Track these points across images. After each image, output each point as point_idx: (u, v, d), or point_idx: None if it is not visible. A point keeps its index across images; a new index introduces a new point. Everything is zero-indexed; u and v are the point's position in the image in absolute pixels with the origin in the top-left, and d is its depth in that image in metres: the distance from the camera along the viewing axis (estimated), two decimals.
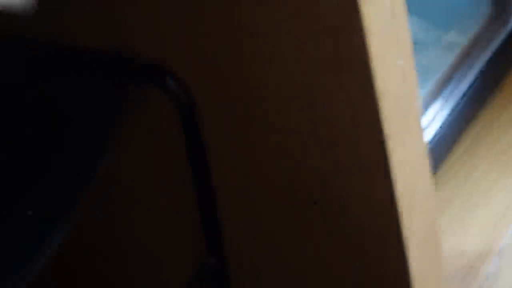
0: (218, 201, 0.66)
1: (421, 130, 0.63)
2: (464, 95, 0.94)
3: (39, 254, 0.54)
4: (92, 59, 0.61)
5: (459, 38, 0.98)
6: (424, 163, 0.64)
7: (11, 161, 0.59)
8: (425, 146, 0.64)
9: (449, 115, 0.92)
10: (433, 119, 0.91)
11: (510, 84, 1.00)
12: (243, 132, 0.61)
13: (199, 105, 0.60)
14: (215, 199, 0.66)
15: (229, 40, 0.57)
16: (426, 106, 0.91)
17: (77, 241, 0.59)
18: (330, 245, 0.65)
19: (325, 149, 0.58)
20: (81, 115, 0.59)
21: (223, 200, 0.66)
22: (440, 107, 0.92)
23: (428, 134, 0.90)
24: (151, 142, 0.65)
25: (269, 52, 0.57)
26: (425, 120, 0.90)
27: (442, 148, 0.93)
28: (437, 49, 0.97)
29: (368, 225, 0.62)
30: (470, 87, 0.95)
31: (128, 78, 0.58)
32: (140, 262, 0.74)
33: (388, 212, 0.59)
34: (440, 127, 0.91)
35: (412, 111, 0.61)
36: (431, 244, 0.65)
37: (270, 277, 0.72)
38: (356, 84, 0.56)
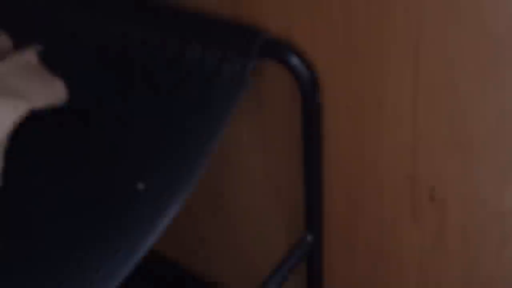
0: (325, 182, 0.64)
1: None
2: None
3: (149, 230, 0.53)
4: (218, 29, 0.58)
5: None
6: None
7: (134, 138, 0.57)
8: None
9: None
10: None
11: None
12: (363, 118, 0.59)
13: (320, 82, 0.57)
14: (322, 181, 0.64)
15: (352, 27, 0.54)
16: None
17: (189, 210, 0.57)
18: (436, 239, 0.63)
19: (455, 152, 0.55)
20: (205, 88, 0.57)
21: (329, 181, 0.64)
22: None
23: None
24: (267, 118, 0.63)
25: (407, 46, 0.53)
26: None
27: None
28: None
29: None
30: None
31: (253, 52, 0.55)
32: (247, 230, 0.73)
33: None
34: None
35: None
36: None
37: (362, 259, 0.70)
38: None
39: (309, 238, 0.68)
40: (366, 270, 0.71)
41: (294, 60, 0.56)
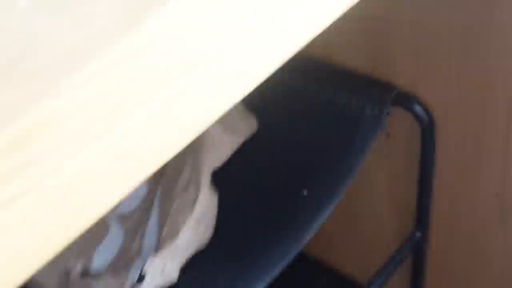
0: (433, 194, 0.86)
1: None
2: None
3: (310, 227, 0.75)
4: (361, 82, 0.80)
5: None
6: None
7: (295, 150, 0.80)
8: None
9: None
10: None
11: None
12: (465, 153, 0.80)
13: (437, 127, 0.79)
14: (432, 193, 0.86)
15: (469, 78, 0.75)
16: None
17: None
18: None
19: None
20: (348, 124, 0.79)
21: (437, 192, 0.86)
22: None
23: None
24: (392, 148, 0.85)
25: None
26: None
27: None
28: None
29: None
30: None
31: (388, 101, 0.77)
32: (365, 227, 0.95)
33: None
34: None
35: None
36: None
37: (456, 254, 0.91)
38: None
39: (418, 234, 0.90)
40: (459, 265, 0.92)
41: (418, 108, 0.78)
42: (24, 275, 0.28)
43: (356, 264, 1.05)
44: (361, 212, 0.96)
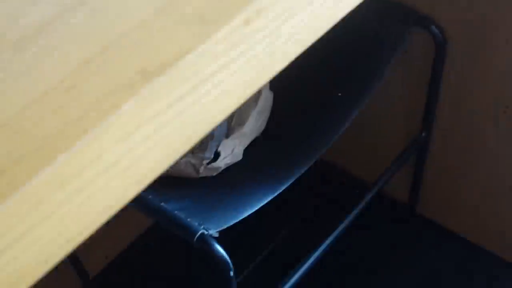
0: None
1: None
2: None
3: (341, 125, 0.94)
4: (392, 7, 0.98)
5: None
6: None
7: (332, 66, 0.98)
8: None
9: None
10: None
11: None
12: (472, 67, 0.99)
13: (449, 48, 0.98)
14: (438, 99, 1.05)
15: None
16: None
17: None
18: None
19: None
20: (377, 41, 0.97)
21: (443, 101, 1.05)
22: None
23: None
24: (407, 61, 1.03)
25: None
26: None
27: None
28: None
29: None
30: None
31: (407, 22, 0.95)
32: (376, 129, 1.15)
33: None
34: None
35: None
36: None
37: (457, 153, 1.11)
38: None
39: (424, 134, 1.09)
40: (454, 165, 1.12)
41: (433, 28, 0.96)
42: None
43: (365, 166, 1.25)
44: (374, 117, 1.16)
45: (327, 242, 1.01)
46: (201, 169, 0.87)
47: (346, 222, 1.03)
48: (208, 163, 0.87)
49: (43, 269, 0.34)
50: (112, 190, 0.35)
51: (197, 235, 0.78)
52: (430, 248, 1.23)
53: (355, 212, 1.04)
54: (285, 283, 0.96)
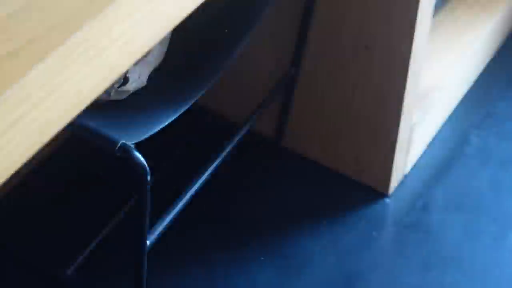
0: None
1: None
2: None
3: (229, 57, 1.07)
4: None
5: None
6: None
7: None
8: None
9: None
10: None
11: None
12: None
13: None
14: (308, 33, 1.21)
15: None
16: None
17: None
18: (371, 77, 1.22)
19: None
20: None
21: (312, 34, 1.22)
22: None
23: None
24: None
25: None
26: None
27: None
28: None
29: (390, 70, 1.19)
30: None
31: None
32: (246, 68, 1.29)
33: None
34: None
35: None
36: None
37: (321, 92, 1.28)
38: None
39: (292, 70, 1.25)
40: (320, 98, 1.29)
41: None
42: None
43: (235, 106, 1.38)
44: (244, 57, 1.31)
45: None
46: (112, 92, 0.98)
47: (217, 161, 1.13)
48: (118, 87, 0.98)
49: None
50: None
51: (119, 145, 0.90)
52: (295, 177, 1.39)
53: (227, 149, 1.15)
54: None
